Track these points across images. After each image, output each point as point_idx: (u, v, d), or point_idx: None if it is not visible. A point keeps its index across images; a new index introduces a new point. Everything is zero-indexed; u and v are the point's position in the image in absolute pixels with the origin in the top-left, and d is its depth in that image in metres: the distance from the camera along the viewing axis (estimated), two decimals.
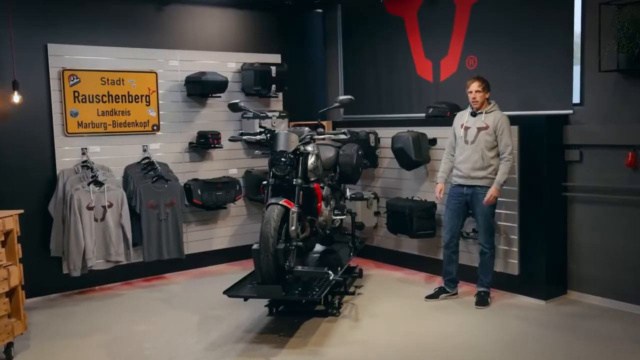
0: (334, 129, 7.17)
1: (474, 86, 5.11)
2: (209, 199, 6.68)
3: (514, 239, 5.51)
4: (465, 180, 5.22)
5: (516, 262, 5.50)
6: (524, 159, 5.39)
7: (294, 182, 4.83)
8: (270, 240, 4.43)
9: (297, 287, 4.66)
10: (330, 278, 4.51)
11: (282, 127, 6.73)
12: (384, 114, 7.13)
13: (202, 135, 6.72)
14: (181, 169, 6.80)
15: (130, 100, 6.46)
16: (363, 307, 5.44)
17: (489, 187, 5.12)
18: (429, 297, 5.50)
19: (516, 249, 5.50)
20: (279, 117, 7.06)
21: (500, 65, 5.86)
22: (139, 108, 6.51)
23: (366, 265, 6.83)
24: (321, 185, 5.29)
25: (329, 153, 5.77)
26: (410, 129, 6.19)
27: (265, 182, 4.94)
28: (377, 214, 6.77)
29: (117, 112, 6.39)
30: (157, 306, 5.72)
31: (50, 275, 6.02)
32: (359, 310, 5.35)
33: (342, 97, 5.15)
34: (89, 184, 5.92)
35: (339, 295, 5.52)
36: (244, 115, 6.93)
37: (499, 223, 5.61)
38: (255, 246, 4.51)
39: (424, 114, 6.31)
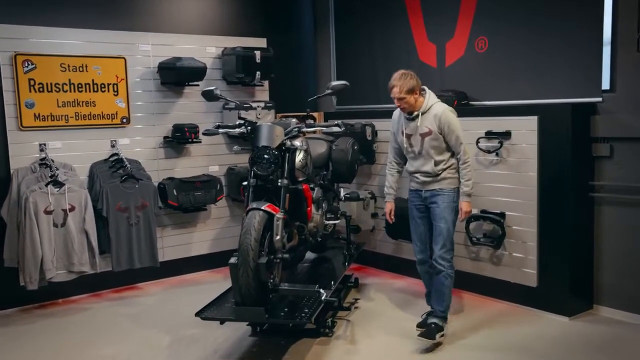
0: (326, 120, 6.46)
1: (395, 93, 4.16)
2: (186, 199, 5.96)
3: (532, 246, 4.82)
4: (422, 186, 4.40)
5: (534, 272, 4.82)
6: (544, 154, 4.69)
7: (279, 183, 4.12)
8: (250, 254, 3.73)
9: (283, 308, 3.96)
10: (322, 298, 3.81)
11: (267, 119, 6.03)
12: (382, 104, 6.41)
13: (178, 128, 5.99)
14: (155, 167, 6.07)
15: (96, 89, 5.72)
16: (360, 325, 4.75)
17: (451, 188, 4.32)
18: (421, 328, 4.38)
19: (534, 258, 4.81)
20: (265, 107, 6.37)
21: (515, 46, 5.16)
22: (106, 98, 5.77)
23: (363, 273, 6.14)
24: (311, 186, 4.58)
25: (320, 148, 5.06)
26: None
27: (245, 183, 4.23)
28: (374, 215, 6.07)
29: (81, 103, 5.65)
30: (124, 323, 5.00)
31: (5, 287, 5.29)
32: (356, 330, 4.66)
33: (334, 83, 4.43)
34: (46, 185, 5.19)
35: (332, 311, 4.83)
36: (226, 106, 6.22)
37: (514, 227, 4.92)
38: (232, 260, 3.81)
39: None
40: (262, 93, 6.69)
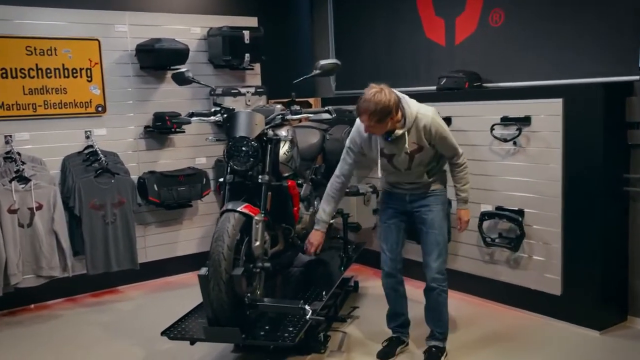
0: (323, 107, 5.84)
1: (365, 121, 3.37)
2: (168, 195, 5.41)
3: (555, 248, 4.20)
4: (407, 190, 3.76)
5: (558, 278, 4.20)
6: (570, 143, 4.06)
7: (260, 180, 3.54)
8: (223, 264, 3.16)
9: (264, 326, 3.39)
10: (307, 317, 3.22)
11: (258, 105, 5.43)
12: None
13: (159, 117, 5.41)
14: (135, 160, 5.52)
15: (67, 74, 5.15)
16: (358, 339, 4.18)
17: (442, 188, 3.75)
18: (382, 357, 3.84)
19: (558, 262, 4.19)
20: (255, 93, 5.77)
21: (536, 19, 4.51)
22: (78, 85, 5.21)
23: (364, 275, 5.55)
24: (299, 181, 4.00)
25: (311, 138, 4.47)
26: None
27: (221, 180, 3.66)
28: (376, 212, 5.46)
29: (50, 90, 5.09)
30: (95, 334, 4.46)
31: None
32: (352, 345, 4.08)
33: (323, 62, 3.81)
34: (10, 181, 4.66)
35: (326, 320, 4.25)
36: (213, 93, 5.63)
37: (534, 227, 4.31)
38: (202, 271, 3.24)
39: (434, 87, 4.99)
40: (254, 77, 6.09)
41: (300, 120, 3.94)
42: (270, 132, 3.64)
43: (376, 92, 3.30)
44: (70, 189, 5.02)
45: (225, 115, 3.66)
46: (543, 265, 4.30)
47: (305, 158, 4.31)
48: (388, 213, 3.84)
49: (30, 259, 4.73)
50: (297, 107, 3.78)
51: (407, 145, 3.45)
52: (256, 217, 3.38)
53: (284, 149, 3.77)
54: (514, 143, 4.38)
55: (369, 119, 3.32)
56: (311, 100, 6.07)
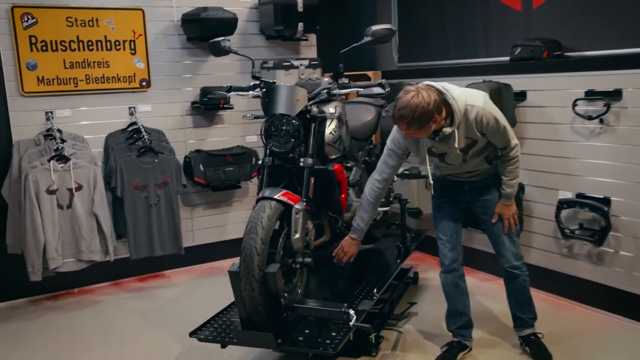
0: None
1: (404, 130, 2.95)
2: (214, 176, 5.08)
3: None
4: (464, 179, 3.34)
5: None
6: None
7: (302, 163, 3.12)
8: (256, 260, 2.78)
9: (303, 330, 2.99)
10: (351, 324, 2.79)
11: (302, 79, 4.99)
12: (452, 60, 5.24)
13: (206, 92, 5.06)
14: (182, 137, 5.22)
15: (109, 47, 4.88)
16: (414, 340, 3.74)
17: (497, 178, 3.29)
18: None
19: None
20: (309, 66, 5.33)
21: None
22: (121, 58, 4.93)
23: (425, 264, 5.08)
24: (348, 164, 3.57)
25: (365, 115, 4.01)
26: (488, 78, 4.31)
27: (260, 163, 3.26)
28: None
29: (92, 64, 4.83)
30: (134, 325, 4.22)
31: (14, 275, 4.60)
32: (408, 346, 3.66)
33: (375, 28, 3.29)
34: (49, 160, 4.44)
35: (380, 319, 3.83)
36: (264, 65, 5.24)
37: (622, 218, 3.72)
38: (233, 267, 2.87)
39: (507, 57, 4.41)
40: (309, 49, 5.65)
41: (345, 96, 3.46)
42: (315, 109, 3.21)
43: (413, 97, 2.83)
44: (112, 169, 4.78)
45: (264, 90, 3.24)
46: (632, 262, 3.71)
47: (357, 138, 3.86)
48: (444, 202, 3.43)
49: (70, 242, 4.52)
50: (346, 81, 3.32)
51: (456, 145, 3.00)
52: (296, 206, 2.98)
53: (330, 128, 3.33)
54: (601, 121, 3.78)
55: (408, 128, 2.89)
56: (370, 73, 5.58)
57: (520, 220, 3.51)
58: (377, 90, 3.23)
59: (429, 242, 5.07)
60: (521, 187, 4.29)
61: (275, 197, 2.94)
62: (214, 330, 3.08)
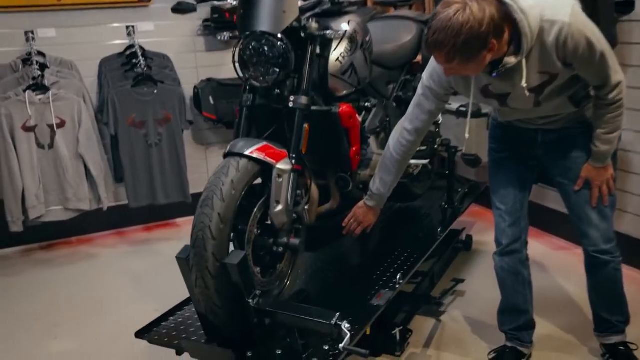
0: None
1: (442, 63, 1.94)
2: (227, 110, 4.22)
3: None
4: (537, 126, 2.30)
5: None
6: None
7: (291, 104, 2.19)
8: (210, 246, 1.93)
9: (285, 340, 2.12)
10: (341, 346, 1.89)
11: None
12: None
13: (216, 9, 4.13)
14: (192, 63, 4.37)
15: None
16: (456, 335, 2.85)
17: (587, 126, 2.21)
18: None
19: None
20: None
21: None
22: None
23: (483, 223, 4.11)
24: (366, 104, 2.59)
25: (400, 34, 2.98)
26: None
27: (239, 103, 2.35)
28: None
29: None
30: (123, 290, 3.52)
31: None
32: (445, 343, 2.78)
33: None
34: (24, 90, 3.70)
35: (409, 304, 2.94)
36: None
37: None
38: (182, 252, 2.04)
39: None
40: None
41: (354, 4, 2.43)
42: (313, 25, 2.22)
43: (457, 12, 1.79)
44: (104, 102, 4.00)
45: None
46: None
47: (388, 65, 2.86)
48: (506, 158, 2.44)
49: (54, 187, 3.84)
50: None
51: (524, 83, 1.97)
52: (279, 165, 2.08)
53: (337, 52, 2.36)
54: None
55: (449, 61, 1.88)
56: None
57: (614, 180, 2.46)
58: None
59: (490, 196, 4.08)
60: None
61: (247, 152, 2.05)
62: (173, 327, 2.28)
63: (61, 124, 3.78)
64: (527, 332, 2.59)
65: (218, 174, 2.01)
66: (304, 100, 2.18)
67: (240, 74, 2.24)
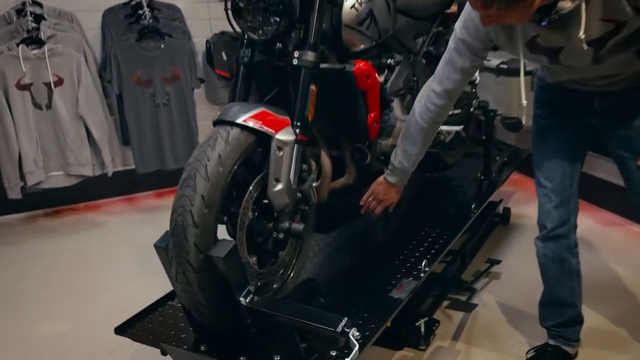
0: None
1: (478, 6, 1.48)
2: None
3: None
4: (595, 88, 1.88)
5: None
6: None
7: (295, 61, 1.80)
8: (191, 234, 1.59)
9: (284, 343, 1.80)
10: (350, 356, 1.55)
11: None
12: None
13: None
14: (204, 15, 3.98)
15: None
16: (489, 326, 2.50)
17: None
18: None
19: None
20: None
21: None
22: None
23: (524, 193, 3.72)
24: (388, 60, 2.18)
25: None
26: None
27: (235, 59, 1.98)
28: None
29: None
30: (129, 259, 3.23)
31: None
32: (477, 338, 2.43)
33: None
34: (18, 44, 3.39)
35: (438, 288, 2.59)
36: None
37: None
38: (160, 240, 1.71)
39: None
40: None
41: None
42: None
43: None
44: (106, 57, 3.66)
45: None
46: None
47: (417, 15, 2.44)
48: (554, 125, 2.04)
49: (54, 151, 3.57)
50: None
51: (582, 35, 1.56)
52: (278, 136, 1.72)
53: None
54: None
55: (486, 5, 1.48)
56: None
57: None
58: None
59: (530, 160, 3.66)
60: None
61: (239, 120, 1.69)
62: (160, 322, 1.97)
63: (59, 82, 3.46)
64: (572, 328, 2.22)
65: (203, 146, 1.66)
66: (310, 56, 1.79)
67: (235, 26, 1.86)
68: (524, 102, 1.76)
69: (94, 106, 3.56)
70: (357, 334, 1.55)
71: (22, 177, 3.49)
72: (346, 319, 1.57)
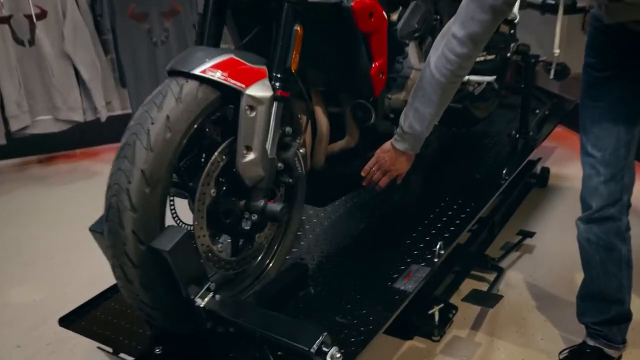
0: None
1: None
2: None
3: None
4: None
5: None
6: None
7: None
8: (128, 220, 1.23)
9: (248, 351, 1.45)
10: None
11: None
12: None
13: None
14: None
15: None
16: (516, 314, 2.12)
17: None
18: None
19: None
20: None
21: None
22: None
23: (565, 149, 3.28)
24: None
25: None
26: None
27: None
28: None
29: None
30: None
31: None
32: (501, 329, 2.06)
33: None
34: None
35: (455, 271, 2.21)
36: None
37: None
38: (96, 224, 1.35)
39: None
40: None
41: None
42: None
43: None
44: None
45: None
46: None
47: None
48: (608, 79, 1.62)
49: (41, 93, 3.24)
50: None
51: None
52: (249, 92, 1.32)
53: None
54: None
55: None
56: None
57: None
58: None
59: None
60: None
61: (196, 71, 1.29)
62: (114, 311, 1.65)
63: (42, 15, 3.10)
64: (618, 327, 1.82)
65: (147, 105, 1.28)
66: None
67: None
68: (557, 50, 1.34)
69: (83, 43, 3.19)
70: (339, 355, 1.19)
71: (6, 121, 3.18)
72: (325, 333, 1.21)
